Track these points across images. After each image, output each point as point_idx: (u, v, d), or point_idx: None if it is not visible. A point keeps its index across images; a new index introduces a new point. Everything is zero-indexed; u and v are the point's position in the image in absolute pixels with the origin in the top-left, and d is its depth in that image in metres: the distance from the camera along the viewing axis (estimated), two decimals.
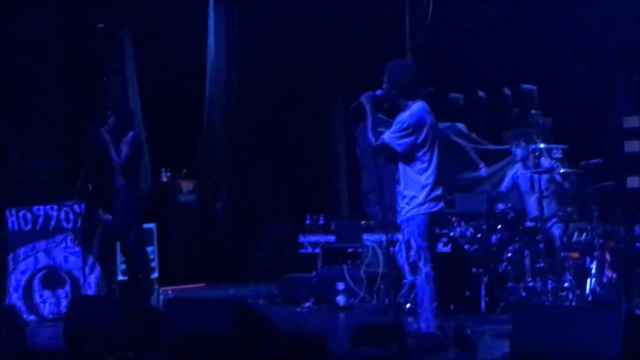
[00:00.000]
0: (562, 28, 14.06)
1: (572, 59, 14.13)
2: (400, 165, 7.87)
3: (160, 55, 14.42)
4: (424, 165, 7.78)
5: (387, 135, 7.79)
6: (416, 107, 7.83)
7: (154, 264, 12.59)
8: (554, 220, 10.26)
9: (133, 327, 7.47)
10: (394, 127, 7.82)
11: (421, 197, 7.76)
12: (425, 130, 7.75)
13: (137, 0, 14.41)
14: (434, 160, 7.81)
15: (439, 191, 7.80)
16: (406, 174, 7.83)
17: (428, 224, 7.79)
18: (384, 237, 11.06)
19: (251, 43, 15.50)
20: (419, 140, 7.73)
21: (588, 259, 9.61)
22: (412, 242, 7.75)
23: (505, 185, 10.76)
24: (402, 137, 7.73)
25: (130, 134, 10.26)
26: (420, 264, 7.74)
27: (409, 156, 7.77)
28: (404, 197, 7.84)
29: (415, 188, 7.78)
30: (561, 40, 14.08)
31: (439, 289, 7.79)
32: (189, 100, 15.28)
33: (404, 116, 7.79)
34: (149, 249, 12.22)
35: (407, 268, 7.91)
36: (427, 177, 7.77)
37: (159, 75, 14.66)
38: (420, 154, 7.76)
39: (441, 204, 7.87)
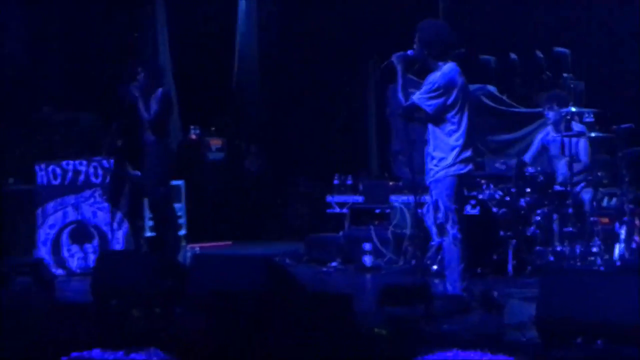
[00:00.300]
0: None
1: (604, 23, 13.98)
2: (430, 127, 7.83)
3: (191, 11, 14.41)
4: (454, 127, 7.74)
5: (417, 96, 7.75)
6: (447, 67, 7.78)
7: (182, 221, 12.63)
8: (583, 184, 10.19)
9: (160, 282, 7.51)
10: (424, 88, 7.77)
11: (450, 158, 7.73)
12: (455, 91, 7.71)
13: None
14: (464, 122, 7.76)
15: (468, 153, 7.76)
16: (435, 135, 7.80)
17: (456, 186, 7.76)
18: (412, 199, 11.04)
19: (284, 4, 15.44)
20: (449, 101, 7.69)
21: (617, 224, 9.54)
22: (440, 204, 7.73)
23: (530, 153, 10.67)
24: (432, 97, 7.69)
25: (160, 90, 10.25)
26: (448, 226, 7.72)
27: (438, 117, 7.73)
28: (432, 158, 7.82)
29: (444, 149, 7.75)
30: (594, 3, 13.92)
31: (466, 252, 7.77)
32: (219, 58, 15.26)
33: (435, 76, 7.74)
34: (177, 205, 12.25)
35: (434, 230, 7.89)
36: (457, 139, 7.73)
37: (190, 31, 14.67)
38: (450, 115, 7.72)
39: (470, 166, 7.84)
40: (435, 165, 7.79)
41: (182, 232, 12.47)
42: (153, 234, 11.14)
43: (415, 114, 7.87)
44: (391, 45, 8.37)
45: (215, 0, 14.59)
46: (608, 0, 13.84)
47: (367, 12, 14.77)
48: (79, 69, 13.43)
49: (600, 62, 13.71)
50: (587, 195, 10.14)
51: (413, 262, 10.45)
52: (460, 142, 7.73)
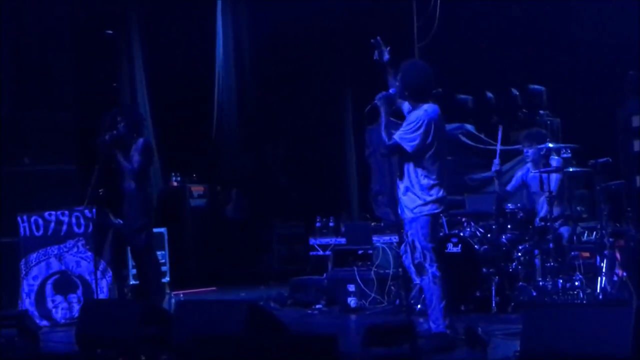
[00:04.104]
0: (569, 27, 14.06)
1: (579, 59, 14.12)
2: (406, 166, 7.88)
3: (169, 60, 14.48)
4: (429, 167, 7.81)
5: (399, 134, 7.82)
6: (430, 107, 7.86)
7: (165, 268, 12.63)
8: (563, 219, 10.26)
9: (145, 330, 7.51)
10: (406, 126, 7.83)
11: (425, 198, 7.79)
12: (434, 131, 7.78)
13: (145, 5, 14.47)
14: (439, 163, 7.84)
15: (441, 193, 7.83)
16: (410, 175, 7.85)
17: (431, 225, 7.82)
18: (394, 238, 11.11)
19: (259, 46, 15.54)
20: (429, 140, 7.76)
21: (598, 258, 9.59)
22: (417, 244, 7.78)
23: (512, 185, 10.75)
24: (414, 135, 7.75)
25: (141, 140, 10.29)
26: (427, 265, 7.77)
27: (417, 156, 7.79)
28: (405, 194, 7.86)
29: (419, 189, 7.81)
30: (568, 39, 14.08)
31: (447, 289, 7.82)
32: (199, 105, 15.33)
33: (418, 114, 7.81)
34: (160, 253, 12.26)
35: (413, 270, 7.92)
36: (432, 179, 7.80)
37: (169, 80, 14.73)
38: (428, 154, 7.78)
39: (443, 206, 7.92)
40: (410, 204, 7.84)
41: (166, 279, 12.48)
42: (137, 282, 11.14)
43: (397, 153, 7.93)
44: (366, 84, 8.47)
45: (193, 47, 14.66)
46: (580, 37, 13.99)
47: (345, 55, 14.88)
48: (59, 119, 13.45)
49: (575, 97, 13.84)
50: (567, 230, 10.21)
51: (397, 301, 10.48)
52: (435, 182, 7.81)
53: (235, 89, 15.63)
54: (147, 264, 10.39)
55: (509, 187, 10.67)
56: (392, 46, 8.29)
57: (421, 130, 7.76)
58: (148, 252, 10.42)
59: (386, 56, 8.15)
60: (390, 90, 8.04)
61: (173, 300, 11.48)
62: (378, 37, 8.20)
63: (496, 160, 10.50)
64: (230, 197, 15.32)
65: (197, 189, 14.74)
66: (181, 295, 12.72)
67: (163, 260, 12.52)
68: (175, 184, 14.66)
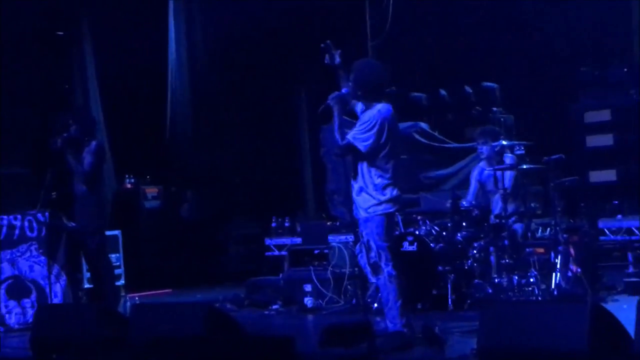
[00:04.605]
0: (521, 25, 14.16)
1: (532, 55, 14.23)
2: (359, 165, 7.88)
3: (121, 61, 14.38)
4: (383, 166, 7.80)
5: (352, 134, 7.81)
6: (383, 107, 7.85)
7: (120, 270, 12.54)
8: (517, 216, 10.31)
9: (100, 333, 7.45)
10: (359, 126, 7.83)
11: (379, 197, 7.79)
12: (387, 131, 7.78)
13: (97, 6, 14.37)
14: (393, 162, 7.84)
15: (395, 192, 7.83)
16: (363, 174, 7.85)
17: (386, 224, 7.82)
18: (349, 238, 11.12)
19: (212, 45, 15.50)
20: (382, 139, 7.76)
21: (553, 254, 9.66)
22: (372, 243, 7.78)
23: (472, 190, 10.78)
24: (367, 135, 7.74)
25: (94, 142, 10.18)
26: (382, 264, 7.77)
27: (370, 156, 7.78)
28: (359, 193, 7.86)
29: (373, 189, 7.80)
30: (520, 37, 14.17)
31: (403, 287, 7.82)
32: (151, 106, 15.25)
33: (371, 114, 7.81)
34: (115, 255, 12.17)
35: (368, 269, 7.92)
36: (385, 178, 7.80)
37: (121, 81, 14.64)
38: (381, 154, 7.78)
39: (398, 205, 7.92)
40: (364, 204, 7.84)
41: (121, 282, 12.39)
42: (91, 285, 11.05)
43: (350, 153, 7.93)
44: (322, 85, 8.46)
45: (146, 48, 14.57)
46: (533, 34, 14.09)
47: (297, 52, 14.86)
48: (9, 121, 13.33)
49: (529, 94, 13.94)
50: (521, 226, 10.26)
51: (354, 301, 10.48)
52: (389, 181, 7.80)
53: (188, 89, 15.56)
54: (101, 267, 10.30)
55: (469, 196, 10.68)
56: (345, 45, 8.28)
57: (374, 130, 7.75)
58: (101, 255, 10.33)
59: (337, 59, 8.14)
60: (343, 90, 8.03)
61: (128, 303, 11.39)
62: (328, 41, 8.18)
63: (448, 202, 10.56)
64: (184, 198, 15.25)
65: (151, 191, 14.66)
66: (136, 298, 12.64)
67: (117, 263, 12.43)
68: (129, 185, 14.56)
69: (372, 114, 7.80)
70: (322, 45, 8.15)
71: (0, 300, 10.52)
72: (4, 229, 10.57)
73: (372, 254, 7.77)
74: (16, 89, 13.51)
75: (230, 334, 6.92)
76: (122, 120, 14.59)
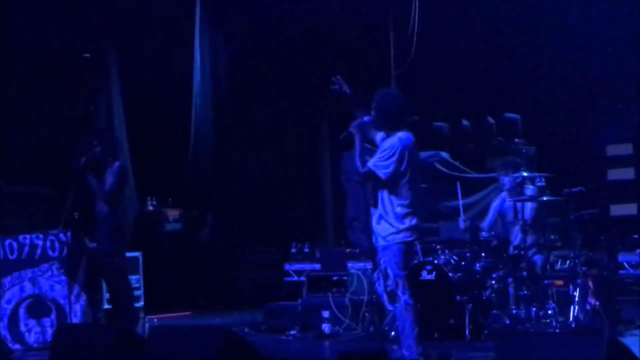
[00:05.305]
0: (545, 57, 14.19)
1: (554, 88, 14.24)
2: (379, 194, 7.92)
3: (146, 84, 14.50)
4: (403, 195, 7.85)
5: (373, 162, 7.87)
6: (404, 135, 7.91)
7: (139, 292, 12.59)
8: (536, 248, 10.31)
9: (118, 355, 7.48)
10: (380, 153, 7.89)
11: (398, 226, 7.82)
12: (407, 159, 7.83)
13: (123, 30, 14.50)
14: (412, 191, 7.89)
15: (414, 221, 7.87)
16: (384, 203, 7.90)
17: (404, 253, 7.86)
18: (368, 265, 11.13)
19: (236, 71, 15.59)
20: (402, 167, 7.81)
21: (571, 287, 9.66)
22: (389, 271, 7.82)
23: (489, 219, 10.79)
24: (387, 162, 7.80)
25: (117, 163, 10.23)
26: (399, 292, 7.80)
27: (390, 183, 7.83)
28: (379, 222, 7.90)
29: (392, 217, 7.85)
30: (544, 69, 14.20)
31: (420, 316, 7.84)
32: (175, 129, 15.34)
33: (392, 142, 7.87)
34: (134, 277, 12.23)
35: (385, 297, 7.95)
36: (405, 207, 7.84)
37: (145, 104, 14.76)
38: (401, 182, 7.83)
39: (416, 234, 7.96)
40: (383, 232, 7.88)
41: (140, 303, 12.43)
42: (110, 306, 11.09)
43: (371, 180, 7.98)
44: (343, 111, 8.53)
45: (170, 71, 14.68)
46: (556, 66, 14.11)
47: (321, 79, 14.92)
48: (34, 142, 13.45)
49: (550, 126, 13.95)
50: (540, 258, 10.26)
51: (371, 328, 10.48)
52: (408, 210, 7.85)
53: (212, 114, 15.64)
54: (120, 288, 10.33)
55: (484, 225, 10.69)
56: (368, 73, 8.37)
57: (395, 158, 7.81)
58: (121, 277, 10.36)
59: (348, 91, 8.23)
60: (365, 118, 8.10)
61: (147, 325, 11.43)
62: (338, 76, 8.27)
63: (461, 218, 10.56)
64: (205, 221, 15.31)
65: (172, 214, 14.73)
66: (155, 320, 12.68)
67: (137, 285, 12.48)
68: (151, 208, 14.64)
69: (393, 142, 7.86)
70: (333, 78, 8.25)
71: (20, 319, 10.59)
72: (27, 248, 10.64)
73: (390, 282, 7.81)
74: (41, 110, 13.63)
75: (247, 359, 6.95)
76: (145, 142, 14.69)
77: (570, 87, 14.05)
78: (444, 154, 13.32)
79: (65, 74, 13.77)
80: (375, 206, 7.94)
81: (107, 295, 11.44)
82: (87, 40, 13.90)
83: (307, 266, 12.66)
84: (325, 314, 10.80)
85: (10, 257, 10.67)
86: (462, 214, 10.65)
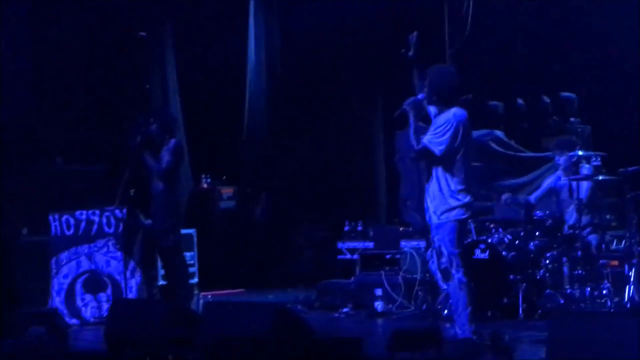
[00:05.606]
0: (602, 35, 14.02)
1: (611, 66, 14.08)
2: (433, 171, 7.91)
3: (201, 61, 14.57)
4: (457, 172, 7.83)
5: (427, 138, 7.85)
6: (458, 111, 7.88)
7: (194, 269, 12.69)
8: (592, 227, 10.24)
9: (173, 330, 7.56)
10: (434, 130, 7.85)
11: (452, 203, 7.81)
12: (462, 135, 7.80)
13: (179, 8, 14.57)
14: (466, 168, 7.86)
15: (468, 198, 7.84)
16: (438, 180, 7.88)
17: (458, 230, 7.84)
18: (421, 244, 11.13)
19: (291, 49, 15.60)
20: (457, 143, 7.78)
21: (627, 267, 9.58)
22: (443, 249, 7.80)
23: (536, 195, 10.73)
24: (442, 139, 7.77)
25: (173, 140, 10.31)
26: (453, 270, 7.78)
27: (445, 160, 7.81)
28: (433, 200, 7.89)
29: (446, 194, 7.83)
30: (601, 47, 14.04)
31: (473, 295, 7.82)
32: (230, 106, 15.40)
33: (446, 117, 7.83)
34: (189, 254, 12.32)
35: (439, 275, 7.94)
36: (458, 184, 7.82)
37: (200, 81, 14.83)
38: (455, 159, 7.81)
39: (470, 212, 7.93)
40: (437, 209, 7.87)
41: (194, 280, 12.53)
42: (165, 282, 11.21)
43: (425, 157, 7.96)
44: (397, 89, 8.50)
45: (225, 49, 14.73)
46: (613, 44, 13.95)
47: (376, 57, 14.90)
48: (92, 119, 13.58)
49: (606, 105, 13.80)
50: (595, 238, 10.19)
51: (424, 306, 10.48)
52: (462, 187, 7.82)
53: (266, 92, 15.68)
54: (175, 265, 10.44)
55: (532, 198, 10.65)
56: (422, 52, 8.31)
57: (449, 134, 7.78)
58: (176, 253, 10.46)
59: (412, 53, 8.19)
60: (419, 96, 8.08)
61: (201, 302, 11.52)
62: (416, 32, 8.24)
63: (505, 195, 10.53)
64: (259, 199, 15.37)
65: (226, 191, 14.80)
66: (209, 296, 12.78)
67: (192, 262, 12.59)
68: (205, 185, 14.72)
69: (447, 118, 7.83)
70: (410, 35, 8.20)
71: (76, 294, 10.73)
72: (83, 224, 10.78)
73: (443, 260, 7.79)
74: (98, 88, 13.76)
75: (299, 335, 6.99)
76: (200, 120, 14.77)
77: (629, 66, 13.86)
78: (499, 133, 13.23)
79: (121, 52, 13.87)
80: (429, 183, 7.92)
81: (162, 272, 11.55)
82: (143, 19, 13.97)
83: (360, 244, 12.67)
84: (378, 292, 10.81)
85: (67, 232, 10.82)
86: (507, 191, 10.61)
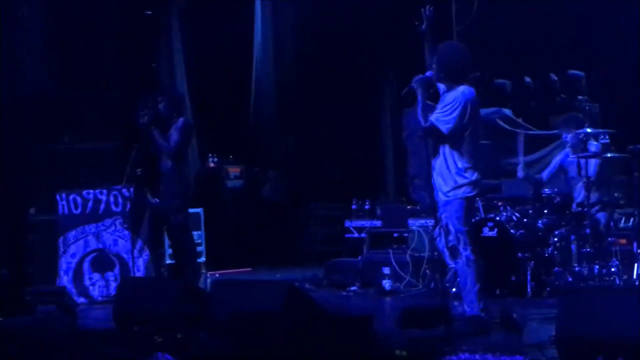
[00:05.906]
0: (609, 12, 13.96)
1: (619, 44, 14.02)
2: (440, 148, 7.88)
3: (207, 40, 14.53)
4: (465, 149, 7.79)
5: (435, 116, 7.82)
6: (466, 89, 7.84)
7: (201, 248, 12.70)
8: (600, 205, 10.23)
9: (181, 308, 7.57)
10: (442, 108, 7.81)
11: (459, 181, 7.78)
12: (470, 113, 7.77)
13: None
14: (474, 146, 7.84)
15: (475, 175, 7.82)
16: (445, 158, 7.85)
17: (466, 208, 7.82)
18: (429, 222, 11.13)
19: (299, 26, 15.57)
20: (465, 120, 7.75)
21: (635, 245, 9.58)
22: (451, 227, 7.78)
23: (548, 171, 10.73)
24: (450, 117, 7.74)
25: (181, 119, 10.28)
26: (460, 248, 7.76)
27: (452, 138, 7.78)
28: (442, 178, 7.87)
29: (453, 172, 7.80)
30: (609, 25, 13.98)
31: (482, 272, 7.81)
32: (237, 86, 15.38)
33: (454, 95, 7.79)
34: (196, 233, 12.31)
35: (447, 253, 7.93)
36: (466, 162, 7.79)
37: (207, 60, 14.79)
38: (463, 137, 7.78)
39: (478, 189, 7.91)
40: (444, 187, 7.85)
41: (202, 259, 12.54)
42: (172, 261, 11.21)
43: (433, 135, 7.93)
44: (406, 67, 8.46)
45: (232, 28, 14.69)
46: (621, 22, 13.89)
47: (384, 34, 14.85)
48: (99, 98, 13.55)
49: (615, 83, 13.74)
50: (604, 215, 10.18)
51: (432, 284, 10.50)
52: (469, 164, 7.79)
53: (274, 70, 15.66)
54: (183, 243, 10.43)
55: (544, 175, 10.65)
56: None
57: (457, 112, 7.75)
58: (184, 232, 10.45)
59: (424, 26, 8.15)
60: (427, 73, 8.04)
61: (209, 281, 11.54)
62: (431, 8, 8.19)
63: (520, 166, 10.52)
64: (267, 178, 15.37)
65: (233, 170, 14.79)
66: (217, 275, 12.79)
67: (199, 241, 12.58)
68: (212, 164, 14.71)
69: (456, 95, 7.80)
70: (423, 9, 8.16)
71: (84, 273, 10.75)
72: (90, 203, 10.79)
73: (451, 238, 7.78)
74: (104, 67, 13.73)
75: (308, 313, 6.99)
76: (207, 99, 14.74)
77: (637, 43, 13.81)
78: (506, 111, 13.20)
79: (128, 31, 13.83)
80: (437, 161, 7.90)
81: (169, 251, 11.56)
82: None
83: (368, 223, 12.67)
84: (386, 270, 10.82)
85: (74, 211, 10.83)
86: (521, 162, 10.60)
